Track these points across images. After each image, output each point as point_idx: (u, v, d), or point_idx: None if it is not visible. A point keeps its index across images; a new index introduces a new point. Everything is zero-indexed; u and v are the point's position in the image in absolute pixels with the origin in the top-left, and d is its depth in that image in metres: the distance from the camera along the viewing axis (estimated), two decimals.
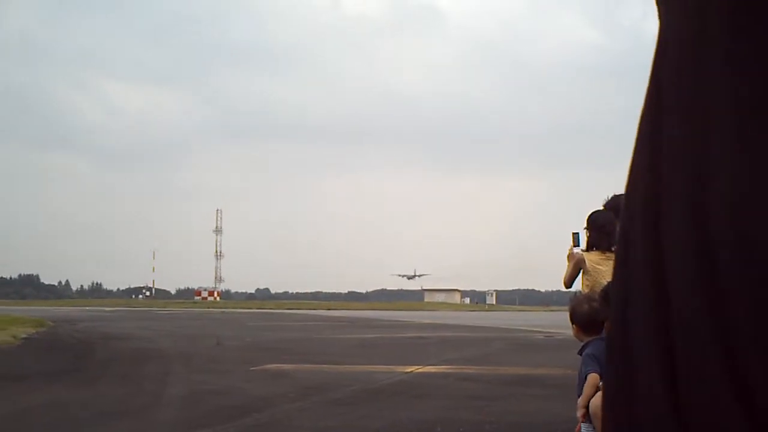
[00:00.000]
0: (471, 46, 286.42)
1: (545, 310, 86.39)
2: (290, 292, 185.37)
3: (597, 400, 4.91)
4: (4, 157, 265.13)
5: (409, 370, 13.42)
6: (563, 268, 6.59)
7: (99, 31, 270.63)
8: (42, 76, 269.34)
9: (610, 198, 6.53)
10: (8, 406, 9.86)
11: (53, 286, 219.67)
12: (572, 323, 5.35)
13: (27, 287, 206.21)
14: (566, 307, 5.69)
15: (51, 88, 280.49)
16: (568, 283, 6.57)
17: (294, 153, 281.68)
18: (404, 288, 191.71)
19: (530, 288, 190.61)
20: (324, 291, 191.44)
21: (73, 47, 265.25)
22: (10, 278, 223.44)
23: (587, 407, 5.10)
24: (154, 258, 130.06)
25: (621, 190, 1.21)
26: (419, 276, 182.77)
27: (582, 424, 5.11)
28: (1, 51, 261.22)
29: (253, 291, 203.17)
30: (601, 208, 6.53)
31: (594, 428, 5.04)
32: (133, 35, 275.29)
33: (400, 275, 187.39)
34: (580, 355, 5.31)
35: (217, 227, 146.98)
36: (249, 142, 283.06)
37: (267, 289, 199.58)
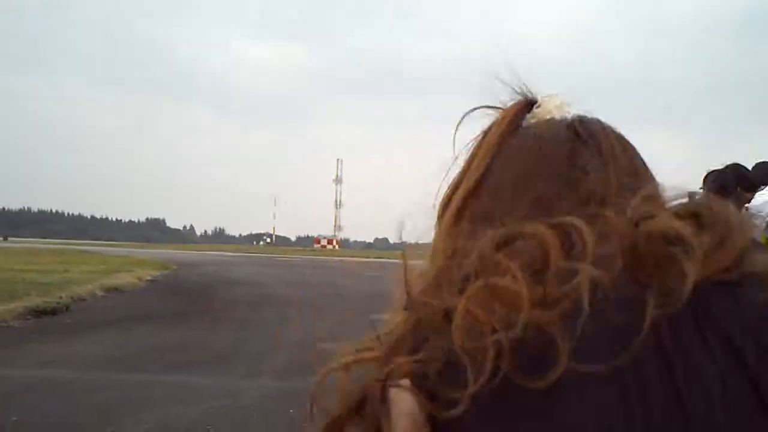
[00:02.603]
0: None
1: None
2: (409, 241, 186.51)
3: None
4: (136, 106, 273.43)
5: None
6: None
7: None
8: (171, 30, 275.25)
9: (708, 174, 6.31)
10: (132, 346, 10.31)
11: (178, 230, 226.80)
12: None
13: (153, 231, 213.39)
14: None
15: (181, 42, 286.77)
16: None
17: (413, 105, 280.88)
18: None
19: None
20: None
21: (204, 2, 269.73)
22: (138, 221, 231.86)
23: None
24: (275, 205, 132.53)
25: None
26: None
27: None
28: (134, 5, 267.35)
29: (371, 240, 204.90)
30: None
31: None
32: None
33: None
34: None
35: (337, 176, 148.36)
36: (371, 95, 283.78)
37: (386, 239, 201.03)
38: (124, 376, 8.17)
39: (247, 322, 13.12)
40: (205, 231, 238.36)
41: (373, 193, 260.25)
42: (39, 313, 12.73)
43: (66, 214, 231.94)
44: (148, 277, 23.25)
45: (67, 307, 13.81)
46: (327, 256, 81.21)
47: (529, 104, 0.99)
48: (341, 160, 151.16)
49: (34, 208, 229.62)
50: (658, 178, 0.88)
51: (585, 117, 0.95)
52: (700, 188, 6.30)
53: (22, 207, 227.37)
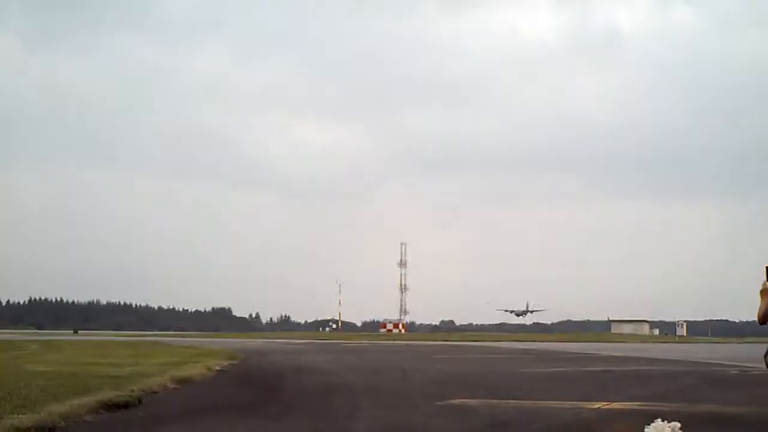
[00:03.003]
0: (653, 69, 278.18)
1: (739, 342, 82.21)
2: (474, 323, 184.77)
3: None
4: (200, 195, 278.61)
5: (596, 406, 13.03)
6: (757, 300, 6.29)
7: (281, 70, 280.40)
8: (226, 115, 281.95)
9: None
10: None
11: (244, 318, 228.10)
12: None
13: (220, 320, 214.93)
14: (762, 339, 5.42)
15: (238, 127, 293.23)
16: (763, 320, 6.27)
17: (472, 185, 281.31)
18: (591, 319, 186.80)
19: (723, 318, 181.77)
20: (508, 323, 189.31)
21: (261, 86, 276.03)
22: (205, 311, 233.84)
23: None
24: (340, 291, 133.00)
25: None
26: (531, 312, 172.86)
27: None
28: (193, 91, 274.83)
29: (437, 323, 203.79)
30: None
31: None
32: (313, 73, 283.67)
33: (507, 311, 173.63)
34: None
35: (401, 260, 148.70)
36: (431, 176, 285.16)
37: (451, 321, 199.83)
38: None
39: (318, 411, 13.02)
40: (271, 318, 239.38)
41: (437, 276, 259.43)
42: (111, 407, 12.76)
43: (134, 306, 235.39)
44: (218, 367, 23.31)
45: (140, 400, 13.84)
46: (394, 339, 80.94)
47: None
48: (405, 244, 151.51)
49: (103, 301, 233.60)
50: None
51: None
52: None
53: (91, 300, 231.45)
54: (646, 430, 1.10)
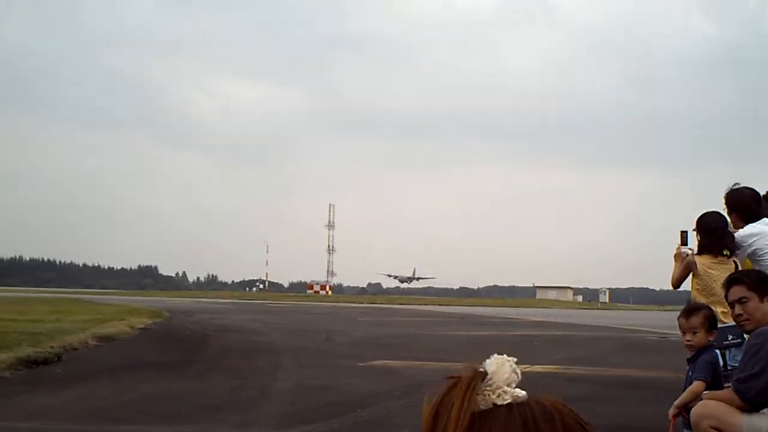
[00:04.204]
0: (578, 40, 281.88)
1: (660, 310, 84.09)
2: (401, 287, 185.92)
3: (698, 409, 4.79)
4: (124, 151, 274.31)
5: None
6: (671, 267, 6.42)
7: (213, 25, 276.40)
8: (157, 70, 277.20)
9: (730, 189, 6.33)
10: (123, 396, 10.23)
11: (171, 277, 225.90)
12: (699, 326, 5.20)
13: (146, 278, 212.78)
14: (680, 307, 5.56)
15: (167, 82, 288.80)
16: (677, 284, 6.40)
17: (397, 146, 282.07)
18: (516, 285, 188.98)
19: (644, 286, 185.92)
20: (435, 287, 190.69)
21: (190, 42, 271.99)
22: (130, 269, 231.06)
23: (680, 410, 4.99)
24: (267, 251, 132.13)
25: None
26: (417, 279, 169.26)
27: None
28: (123, 44, 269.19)
29: (364, 285, 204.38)
30: (712, 209, 6.34)
31: None
32: (246, 29, 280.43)
33: (390, 275, 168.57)
34: (690, 362, 5.22)
35: (329, 222, 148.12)
36: (358, 135, 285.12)
37: (378, 284, 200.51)
38: (115, 427, 8.09)
39: (240, 370, 13.04)
40: (198, 278, 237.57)
41: (365, 238, 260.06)
42: (30, 363, 12.62)
43: (57, 262, 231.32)
44: (140, 326, 23.10)
45: (59, 357, 13.70)
46: (320, 301, 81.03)
47: (482, 375, 1.11)
48: (333, 205, 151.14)
49: (26, 257, 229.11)
50: None
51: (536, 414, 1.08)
52: None
53: (13, 256, 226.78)
54: (486, 362, 1.09)
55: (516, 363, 1.14)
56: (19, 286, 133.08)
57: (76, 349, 15.44)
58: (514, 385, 1.11)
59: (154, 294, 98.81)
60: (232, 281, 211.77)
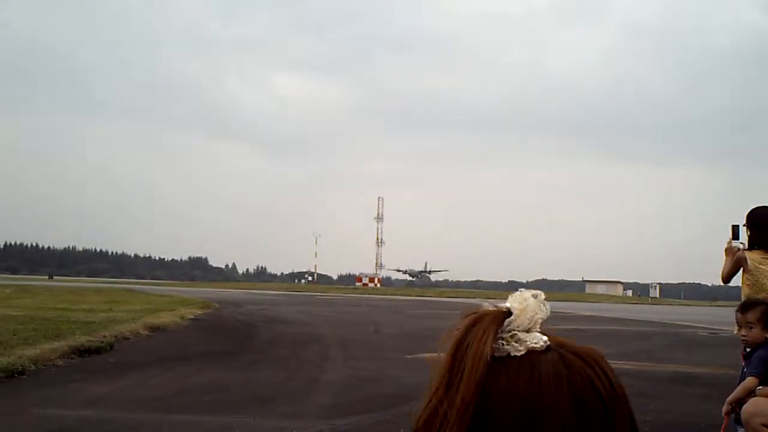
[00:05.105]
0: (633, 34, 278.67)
1: (711, 305, 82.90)
2: (450, 280, 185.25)
3: (750, 406, 4.71)
4: (179, 146, 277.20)
5: None
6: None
7: (265, 23, 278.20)
8: (211, 67, 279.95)
9: None
10: (174, 385, 10.34)
11: (221, 268, 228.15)
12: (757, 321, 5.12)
13: (196, 269, 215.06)
14: (733, 303, 5.50)
15: (220, 79, 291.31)
16: (727, 279, 6.31)
17: (452, 141, 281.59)
18: (566, 279, 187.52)
19: (695, 282, 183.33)
20: (484, 280, 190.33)
21: (241, 39, 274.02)
22: (181, 260, 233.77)
23: (733, 406, 4.92)
24: (316, 244, 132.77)
25: None
26: (429, 273, 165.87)
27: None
28: (174, 42, 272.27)
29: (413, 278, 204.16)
30: (764, 204, 6.22)
31: None
32: (298, 27, 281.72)
33: (399, 270, 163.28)
34: (745, 358, 5.13)
35: (378, 214, 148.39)
36: (410, 131, 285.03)
37: (428, 277, 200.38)
38: (165, 416, 8.18)
39: (289, 361, 13.11)
40: (247, 269, 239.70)
41: (413, 231, 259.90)
42: (83, 352, 12.82)
43: (110, 253, 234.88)
44: (191, 316, 23.35)
45: (111, 346, 13.90)
46: (369, 294, 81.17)
47: (504, 316, 1.03)
48: (382, 198, 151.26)
49: (79, 247, 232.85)
50: None
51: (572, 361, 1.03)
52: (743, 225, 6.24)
53: (67, 246, 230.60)
54: (509, 298, 1.03)
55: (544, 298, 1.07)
56: (74, 276, 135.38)
57: (128, 338, 15.65)
58: (539, 325, 1.04)
59: (204, 285, 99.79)
60: (281, 273, 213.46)
